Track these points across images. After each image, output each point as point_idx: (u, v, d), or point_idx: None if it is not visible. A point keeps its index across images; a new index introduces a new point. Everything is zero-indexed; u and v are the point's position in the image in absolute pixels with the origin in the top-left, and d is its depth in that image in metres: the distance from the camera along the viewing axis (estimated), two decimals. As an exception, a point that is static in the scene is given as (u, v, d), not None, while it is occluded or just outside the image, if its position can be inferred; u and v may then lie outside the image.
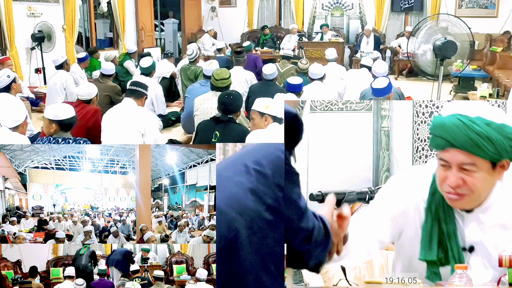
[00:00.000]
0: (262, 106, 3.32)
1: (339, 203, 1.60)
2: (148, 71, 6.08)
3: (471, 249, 1.52)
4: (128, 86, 4.16)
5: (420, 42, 5.95)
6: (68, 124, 3.21)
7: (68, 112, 3.22)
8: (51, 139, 3.18)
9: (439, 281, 1.53)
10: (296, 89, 4.75)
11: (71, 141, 3.18)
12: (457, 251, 1.51)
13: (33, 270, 3.20)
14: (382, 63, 5.91)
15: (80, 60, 7.44)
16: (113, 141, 3.91)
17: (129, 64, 8.52)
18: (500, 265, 1.44)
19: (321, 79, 5.56)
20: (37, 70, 8.27)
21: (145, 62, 6.14)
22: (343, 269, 1.58)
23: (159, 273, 3.16)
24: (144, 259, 3.53)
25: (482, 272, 1.49)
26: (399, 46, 10.82)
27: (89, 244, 3.58)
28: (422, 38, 5.90)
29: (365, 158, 2.86)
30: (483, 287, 1.47)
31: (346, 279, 1.58)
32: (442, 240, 1.52)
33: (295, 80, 4.91)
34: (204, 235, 3.15)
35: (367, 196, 1.79)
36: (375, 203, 1.59)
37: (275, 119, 3.29)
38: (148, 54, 8.21)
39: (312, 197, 1.63)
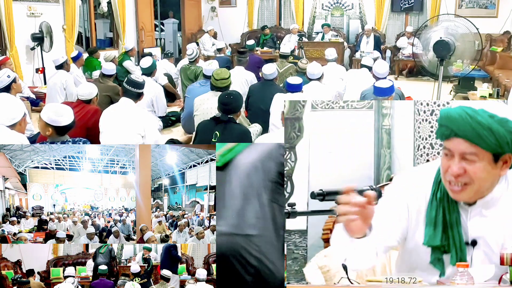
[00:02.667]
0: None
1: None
2: (149, 71, 6.03)
3: (474, 243, 1.54)
4: (123, 84, 4.08)
5: (423, 43, 5.93)
6: (65, 129, 3.17)
7: (67, 118, 3.13)
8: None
9: (440, 279, 1.53)
10: (296, 89, 4.74)
11: (70, 142, 3.16)
12: (459, 240, 1.54)
13: (30, 273, 3.19)
14: (383, 63, 5.89)
15: (74, 59, 7.34)
16: (112, 143, 3.89)
17: (129, 64, 8.51)
18: (502, 263, 1.44)
19: (319, 79, 5.53)
20: (38, 70, 8.27)
21: (146, 62, 6.09)
22: (345, 267, 1.58)
23: (167, 273, 3.13)
24: (146, 259, 3.52)
25: (483, 269, 1.50)
26: (410, 43, 10.80)
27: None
28: (425, 39, 5.88)
29: (366, 156, 2.85)
30: (484, 285, 1.47)
31: (348, 277, 1.58)
32: (445, 228, 1.55)
33: (295, 80, 4.90)
34: (197, 233, 3.16)
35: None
36: (384, 204, 1.61)
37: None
38: (149, 54, 8.20)
39: (313, 195, 1.61)
